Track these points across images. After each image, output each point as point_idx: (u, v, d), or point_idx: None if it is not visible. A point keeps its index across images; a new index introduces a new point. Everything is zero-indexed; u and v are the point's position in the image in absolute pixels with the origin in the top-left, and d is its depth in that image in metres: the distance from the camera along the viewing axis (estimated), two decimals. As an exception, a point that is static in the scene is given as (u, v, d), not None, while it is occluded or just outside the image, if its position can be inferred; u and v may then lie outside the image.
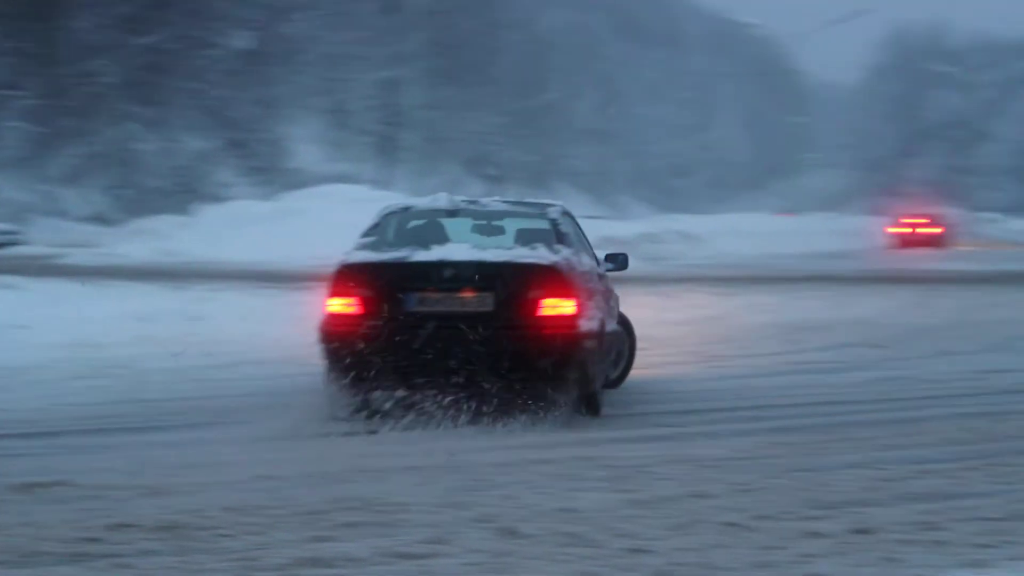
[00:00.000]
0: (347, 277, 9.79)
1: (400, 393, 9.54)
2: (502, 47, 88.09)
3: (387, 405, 9.53)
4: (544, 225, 10.49)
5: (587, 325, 9.68)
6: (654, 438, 9.25)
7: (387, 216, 10.69)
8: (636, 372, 12.13)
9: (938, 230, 53.93)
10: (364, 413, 9.69)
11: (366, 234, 10.34)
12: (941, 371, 13.01)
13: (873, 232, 57.53)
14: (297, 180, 58.10)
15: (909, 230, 53.91)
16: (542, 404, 9.48)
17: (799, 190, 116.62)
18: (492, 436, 9.05)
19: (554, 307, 9.57)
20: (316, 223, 35.48)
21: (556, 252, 9.88)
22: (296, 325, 12.62)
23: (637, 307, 14.33)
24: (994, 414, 10.02)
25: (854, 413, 10.18)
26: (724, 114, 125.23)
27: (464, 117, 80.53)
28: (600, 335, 10.03)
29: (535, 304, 9.56)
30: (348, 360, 9.50)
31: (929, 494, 7.29)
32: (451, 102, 78.73)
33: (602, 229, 37.13)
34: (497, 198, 11.93)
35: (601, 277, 11.12)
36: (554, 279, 9.64)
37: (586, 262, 10.60)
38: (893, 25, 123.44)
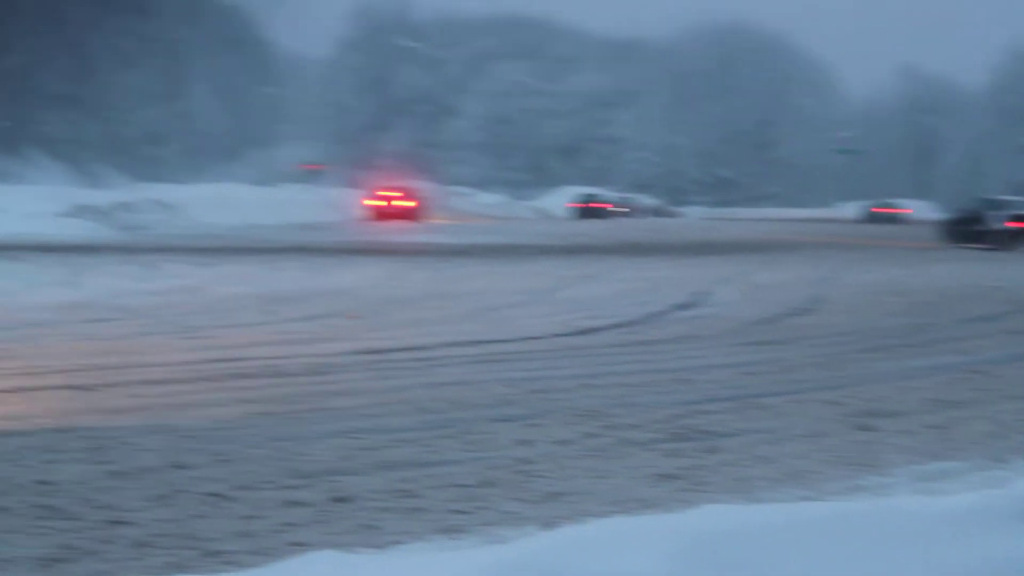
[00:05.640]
0: None
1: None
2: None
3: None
4: None
5: None
6: (131, 409, 9.04)
7: None
8: (101, 344, 11.99)
9: (412, 203, 55.27)
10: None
11: None
12: (416, 341, 13.39)
13: (350, 204, 58.51)
14: None
15: (384, 203, 55.00)
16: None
17: (275, 161, 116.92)
18: None
19: None
20: None
21: None
22: None
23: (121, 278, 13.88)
24: (466, 383, 10.39)
25: (331, 383, 10.32)
26: (197, 83, 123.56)
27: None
28: None
29: None
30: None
31: (404, 462, 7.52)
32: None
33: (76, 197, 36.05)
34: None
35: None
36: None
37: None
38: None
